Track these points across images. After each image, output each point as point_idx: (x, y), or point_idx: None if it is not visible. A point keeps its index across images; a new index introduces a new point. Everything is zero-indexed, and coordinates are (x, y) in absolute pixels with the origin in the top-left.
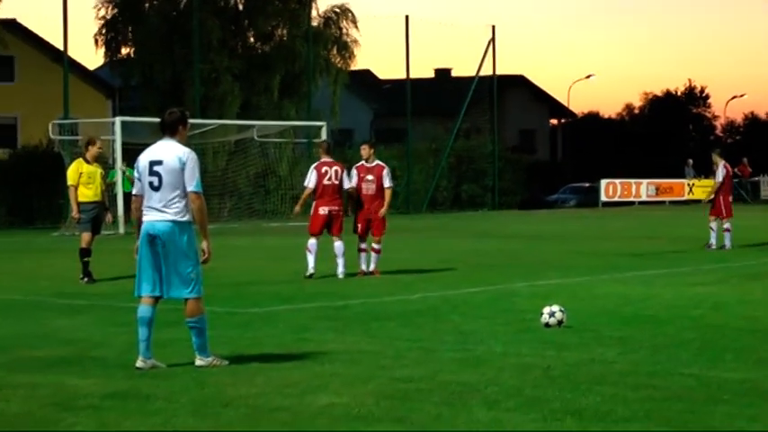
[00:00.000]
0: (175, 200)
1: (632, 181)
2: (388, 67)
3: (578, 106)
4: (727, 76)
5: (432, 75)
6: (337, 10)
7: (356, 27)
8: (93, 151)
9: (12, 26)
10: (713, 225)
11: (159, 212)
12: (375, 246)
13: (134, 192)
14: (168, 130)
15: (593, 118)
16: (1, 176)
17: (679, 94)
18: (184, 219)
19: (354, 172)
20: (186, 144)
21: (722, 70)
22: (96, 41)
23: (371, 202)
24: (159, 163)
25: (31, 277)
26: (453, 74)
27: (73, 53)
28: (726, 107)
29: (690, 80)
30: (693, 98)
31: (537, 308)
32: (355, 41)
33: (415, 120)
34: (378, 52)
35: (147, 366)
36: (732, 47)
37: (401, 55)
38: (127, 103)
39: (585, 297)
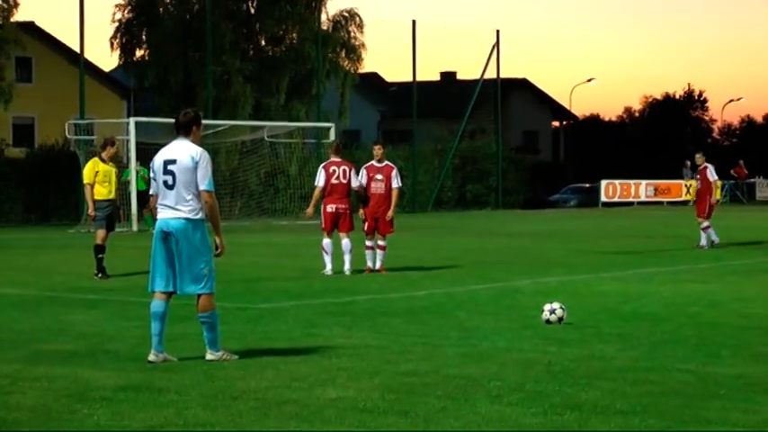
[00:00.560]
0: (189, 198)
1: (631, 182)
2: (394, 70)
3: (580, 109)
4: (725, 80)
5: (437, 78)
6: (346, 14)
7: (364, 31)
8: (111, 151)
9: (30, 29)
10: (706, 225)
11: (173, 210)
12: (381, 243)
13: (151, 191)
14: (182, 130)
15: (594, 120)
16: (18, 175)
17: (678, 97)
18: (198, 216)
19: (364, 171)
20: (200, 144)
21: (720, 75)
22: (112, 44)
23: (380, 201)
24: (173, 162)
25: (47, 273)
26: (458, 77)
27: (89, 55)
28: (723, 110)
29: (689, 84)
30: (692, 102)
31: (539, 305)
32: (363, 45)
33: (421, 121)
34: (385, 55)
35: (159, 360)
36: (730, 52)
37: (408, 58)
38: (141, 104)
39: (586, 294)
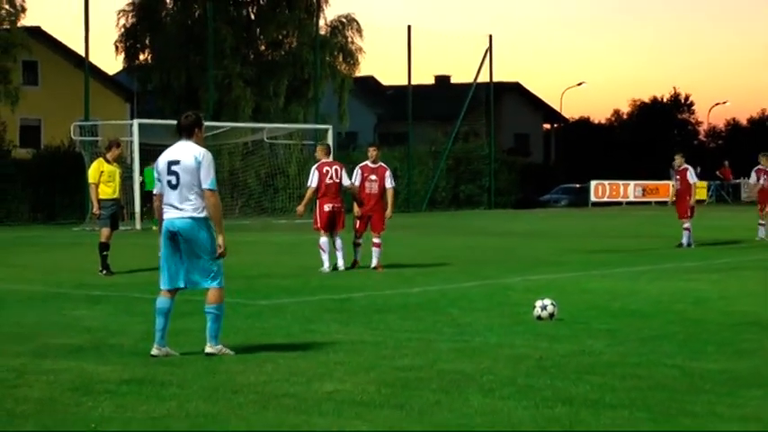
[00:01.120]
0: (192, 197)
1: (620, 182)
2: (390, 74)
3: (570, 112)
4: (711, 84)
5: (432, 81)
6: (343, 20)
7: (361, 36)
8: (115, 153)
9: (36, 33)
10: (687, 225)
11: (177, 210)
12: (375, 240)
13: (155, 191)
14: (185, 132)
15: (583, 123)
16: (25, 175)
17: (665, 101)
18: (202, 215)
19: (358, 171)
20: (203, 146)
21: (706, 79)
22: (116, 48)
23: (373, 201)
24: (177, 163)
25: (53, 270)
26: (452, 80)
27: (94, 59)
28: (709, 114)
29: (674, 88)
30: (678, 105)
31: (530, 301)
32: (360, 49)
33: (416, 124)
34: (381, 60)
35: (161, 354)
36: (715, 57)
37: (403, 62)
38: (144, 107)
39: (576, 292)
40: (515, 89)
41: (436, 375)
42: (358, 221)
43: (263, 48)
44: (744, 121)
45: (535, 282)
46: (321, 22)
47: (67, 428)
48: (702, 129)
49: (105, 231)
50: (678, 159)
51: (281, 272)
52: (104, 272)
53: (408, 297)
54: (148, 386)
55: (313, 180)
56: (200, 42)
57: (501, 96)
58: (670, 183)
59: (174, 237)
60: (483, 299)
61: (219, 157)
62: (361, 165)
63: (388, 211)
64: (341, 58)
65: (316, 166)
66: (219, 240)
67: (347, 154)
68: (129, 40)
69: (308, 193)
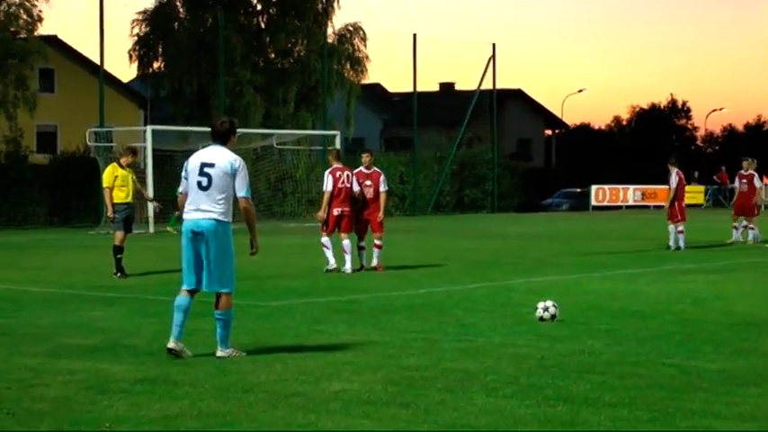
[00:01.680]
0: (221, 201)
1: (620, 187)
2: (396, 81)
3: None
4: (708, 90)
5: (437, 88)
6: (350, 28)
7: (367, 44)
8: (130, 159)
9: (53, 42)
10: (671, 228)
11: (204, 211)
12: (376, 242)
13: (180, 189)
14: (220, 138)
15: (584, 129)
16: (42, 180)
17: (663, 107)
18: (227, 219)
19: (354, 178)
20: (234, 151)
21: (703, 85)
22: (130, 56)
23: (370, 205)
24: (211, 165)
25: (69, 272)
26: (457, 87)
27: (108, 67)
28: (706, 120)
29: (672, 94)
30: (676, 111)
31: (532, 303)
32: (367, 57)
33: (421, 130)
34: (387, 67)
35: (178, 348)
36: (712, 64)
37: (409, 70)
38: (157, 113)
39: (577, 293)
40: (518, 96)
41: (441, 374)
42: (356, 225)
43: (272, 56)
44: (740, 127)
45: (537, 283)
46: (329, 31)
47: (83, 426)
48: (700, 134)
49: (119, 235)
50: (669, 165)
51: (291, 274)
52: (119, 274)
53: (414, 298)
54: (162, 385)
55: (328, 184)
56: (212, 50)
57: (504, 103)
58: (666, 187)
59: (196, 237)
60: (486, 300)
61: None
62: (355, 171)
63: (380, 213)
64: (348, 66)
65: (329, 170)
66: (255, 242)
67: (354, 159)
68: (143, 49)
69: (326, 198)
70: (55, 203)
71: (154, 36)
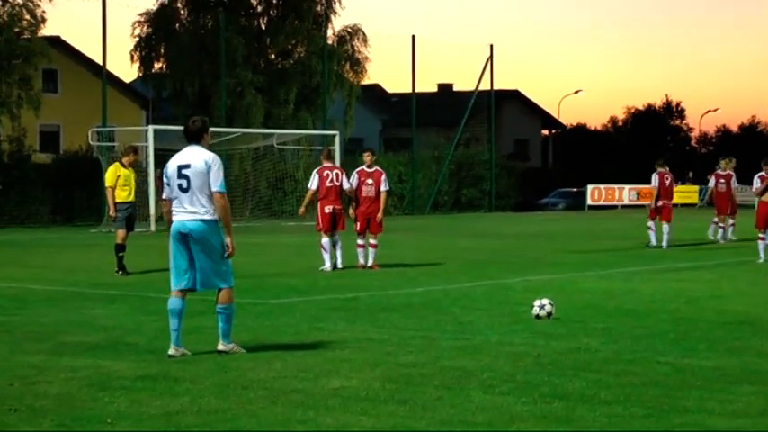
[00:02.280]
0: (203, 200)
1: (615, 186)
2: (395, 82)
3: (567, 118)
4: (702, 92)
5: (435, 89)
6: (350, 30)
7: (367, 46)
8: (132, 158)
9: (56, 42)
10: (651, 224)
11: (189, 213)
12: (372, 241)
13: (164, 196)
14: (193, 138)
15: (580, 129)
16: (45, 179)
17: (658, 108)
18: (212, 217)
19: (355, 176)
20: (210, 149)
21: (697, 86)
22: (132, 57)
23: (370, 203)
24: (187, 167)
25: (72, 270)
26: (455, 88)
27: (111, 67)
28: (700, 120)
29: (667, 95)
30: (671, 112)
31: (529, 301)
32: (366, 58)
33: (420, 130)
34: (386, 68)
35: (178, 354)
36: (707, 65)
37: (407, 71)
38: (159, 114)
39: (572, 291)
40: (515, 97)
41: (439, 372)
42: (357, 224)
43: (273, 57)
44: (734, 128)
45: (534, 282)
46: (329, 33)
47: (84, 423)
48: (694, 135)
49: (121, 233)
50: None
51: (290, 272)
52: (120, 272)
53: (412, 296)
54: (162, 382)
55: (313, 183)
56: (213, 51)
57: (501, 104)
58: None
59: (184, 238)
60: (484, 298)
61: (231, 161)
62: (357, 169)
63: (379, 213)
64: (348, 67)
65: (316, 169)
66: (228, 241)
67: (353, 159)
68: (145, 50)
69: (308, 195)
70: (58, 202)
71: (156, 37)
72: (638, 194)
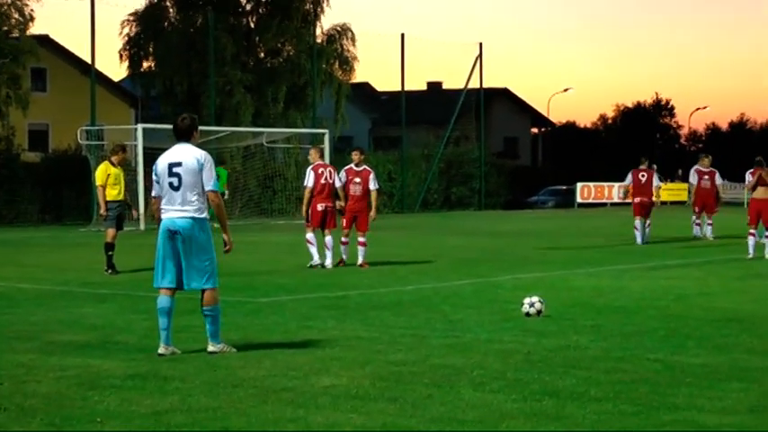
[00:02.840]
0: (194, 198)
1: (605, 184)
2: (384, 80)
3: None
4: (692, 89)
5: (424, 87)
6: (339, 28)
7: (356, 44)
8: (120, 156)
9: (44, 41)
10: (637, 224)
11: (179, 210)
12: (361, 239)
13: (153, 194)
14: (183, 136)
15: (570, 127)
16: (34, 178)
17: (647, 106)
18: (202, 215)
19: (344, 174)
20: (199, 146)
21: (687, 84)
22: (121, 56)
23: (357, 201)
24: (179, 165)
25: (61, 269)
26: (444, 87)
27: (100, 66)
28: (690, 118)
29: (657, 93)
30: (660, 110)
31: (519, 299)
32: (355, 57)
33: (409, 128)
34: (376, 67)
35: (168, 353)
36: (696, 63)
37: (397, 69)
38: (148, 112)
39: (562, 289)
40: (504, 95)
41: (429, 370)
42: (344, 221)
43: (262, 55)
44: (723, 126)
45: (523, 280)
46: (318, 31)
47: (74, 422)
48: (683, 132)
49: (111, 232)
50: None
51: (280, 270)
52: (110, 271)
53: (402, 294)
54: (152, 381)
55: (309, 181)
56: (202, 50)
57: (491, 102)
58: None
59: (173, 236)
60: (474, 296)
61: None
62: (346, 168)
63: (372, 212)
64: (337, 66)
65: (311, 167)
66: (226, 238)
67: (343, 157)
68: (134, 48)
69: (306, 194)
70: (47, 201)
71: (144, 36)
72: (627, 192)
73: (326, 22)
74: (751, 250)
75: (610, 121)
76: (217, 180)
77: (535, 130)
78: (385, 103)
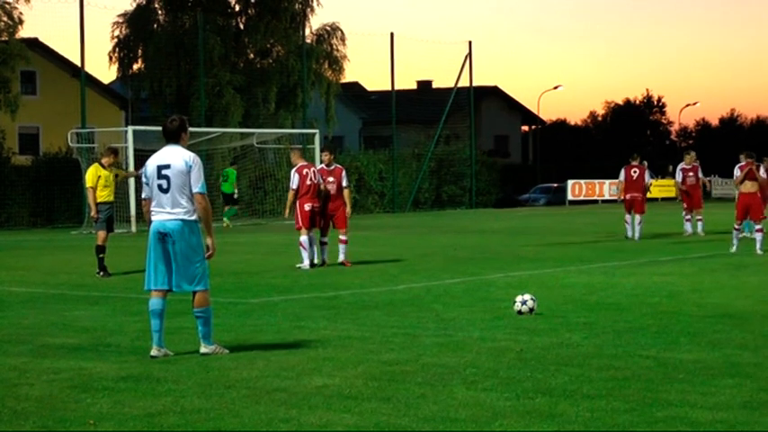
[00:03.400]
0: (183, 200)
1: (596, 181)
2: (374, 80)
3: (547, 114)
4: (682, 85)
5: (414, 86)
6: (328, 28)
7: (345, 44)
8: (111, 159)
9: (34, 44)
10: (627, 218)
11: (169, 213)
12: (342, 237)
13: (143, 196)
14: (172, 137)
15: (560, 125)
16: (24, 181)
17: (638, 102)
18: (192, 218)
19: (318, 174)
20: (188, 148)
21: (677, 80)
22: (110, 58)
23: (333, 200)
24: (167, 167)
25: (52, 272)
26: (434, 85)
27: (89, 69)
28: (680, 114)
29: (647, 90)
30: (651, 106)
31: (511, 297)
32: (345, 57)
33: (400, 127)
34: (365, 66)
35: (160, 354)
36: (686, 59)
37: (387, 68)
38: (138, 114)
39: (554, 286)
40: (494, 93)
41: (421, 369)
42: (320, 221)
43: (251, 56)
44: (714, 122)
45: (515, 278)
46: (307, 31)
47: (67, 425)
48: (674, 129)
49: (102, 234)
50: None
51: (271, 271)
52: (101, 273)
53: (394, 294)
54: (145, 383)
55: (294, 182)
56: (191, 51)
57: (481, 100)
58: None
59: (163, 238)
60: (465, 295)
61: (211, 161)
62: (318, 168)
63: (347, 209)
64: (327, 65)
65: (295, 168)
66: (209, 242)
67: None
68: (123, 51)
69: (290, 196)
70: (38, 204)
71: (134, 38)
72: (619, 189)
73: (316, 21)
74: (734, 245)
75: (600, 119)
76: (225, 181)
77: (525, 128)
78: (375, 102)
